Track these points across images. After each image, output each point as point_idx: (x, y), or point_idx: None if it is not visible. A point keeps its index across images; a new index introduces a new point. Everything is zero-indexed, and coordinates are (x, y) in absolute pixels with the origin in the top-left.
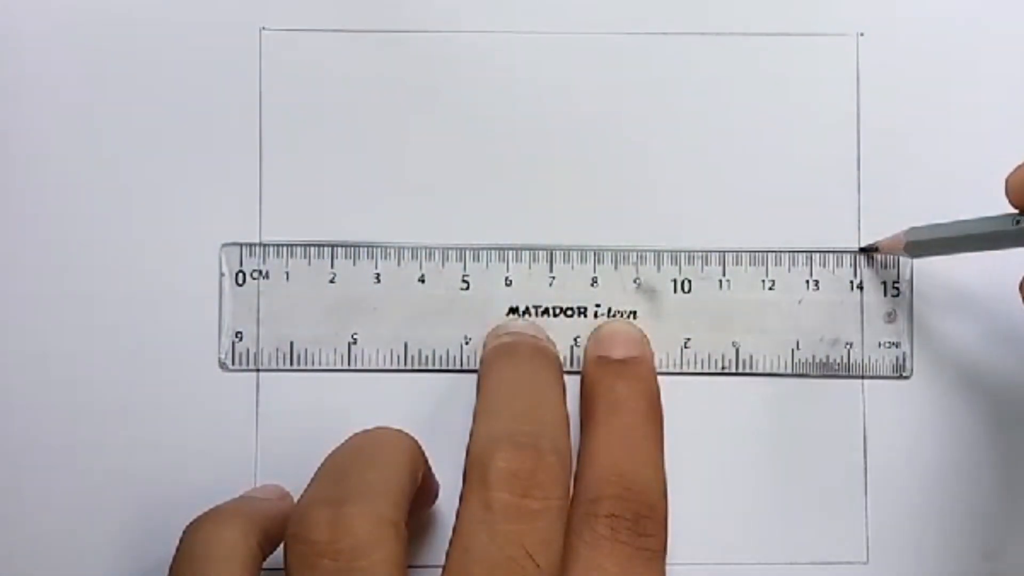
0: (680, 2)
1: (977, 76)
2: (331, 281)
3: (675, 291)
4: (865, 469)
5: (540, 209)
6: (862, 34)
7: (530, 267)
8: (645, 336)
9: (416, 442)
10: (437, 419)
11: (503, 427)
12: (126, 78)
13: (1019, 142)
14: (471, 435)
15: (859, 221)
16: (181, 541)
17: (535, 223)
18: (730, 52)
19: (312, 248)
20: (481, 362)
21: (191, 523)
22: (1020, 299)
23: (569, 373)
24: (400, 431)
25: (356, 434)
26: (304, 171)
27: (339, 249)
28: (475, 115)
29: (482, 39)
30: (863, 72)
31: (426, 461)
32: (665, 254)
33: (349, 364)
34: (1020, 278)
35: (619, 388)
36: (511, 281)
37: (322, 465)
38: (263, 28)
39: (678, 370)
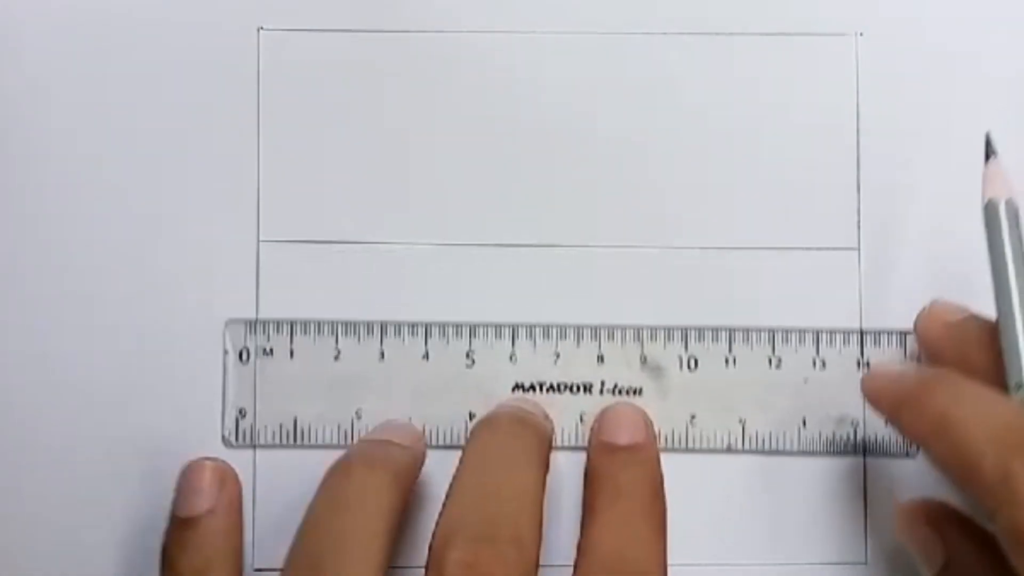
0: (680, 2)
1: (977, 75)
2: (335, 358)
3: (681, 368)
4: (864, 470)
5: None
6: (861, 34)
7: (535, 344)
8: (650, 421)
9: (394, 476)
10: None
11: (463, 516)
12: (124, 78)
13: (1019, 142)
14: (437, 519)
15: (858, 221)
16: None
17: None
18: (730, 52)
19: (316, 324)
20: None
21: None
22: None
23: (573, 449)
24: (375, 468)
25: (328, 489)
26: (302, 171)
27: (343, 326)
28: (474, 115)
29: (482, 39)
30: (862, 72)
31: (412, 479)
32: (671, 331)
33: (352, 440)
34: None
35: (622, 476)
36: (516, 358)
37: (294, 547)
38: (261, 28)
39: (684, 447)
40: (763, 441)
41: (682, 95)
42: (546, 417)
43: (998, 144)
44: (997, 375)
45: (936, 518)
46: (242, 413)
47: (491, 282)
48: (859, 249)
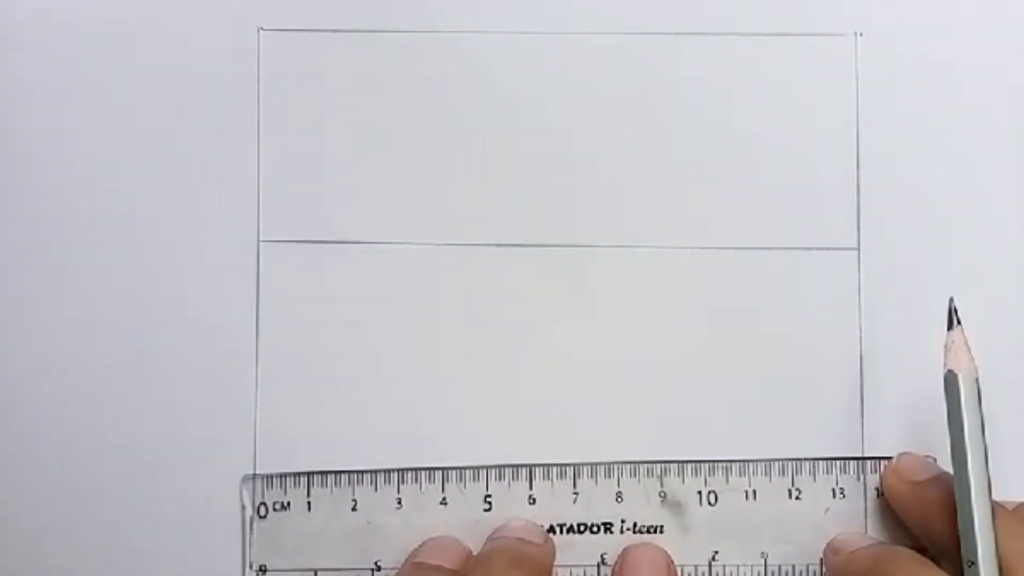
0: (680, 2)
1: (976, 75)
2: (353, 509)
3: (701, 504)
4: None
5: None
6: (861, 34)
7: (553, 484)
8: (671, 562)
9: None
10: None
11: None
12: (125, 78)
13: (1019, 141)
14: None
15: (858, 221)
16: None
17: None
18: (730, 52)
19: (333, 476)
20: None
21: None
22: None
23: None
24: None
25: None
26: (302, 171)
27: (359, 476)
28: (473, 115)
29: (482, 39)
30: (862, 72)
31: None
32: (689, 466)
33: None
34: None
35: None
36: (535, 499)
37: None
38: (261, 28)
39: None
40: (787, 574)
41: (682, 95)
42: (546, 540)
43: (998, 144)
44: (958, 541)
45: None
46: (263, 569)
47: (490, 284)
48: (859, 249)
